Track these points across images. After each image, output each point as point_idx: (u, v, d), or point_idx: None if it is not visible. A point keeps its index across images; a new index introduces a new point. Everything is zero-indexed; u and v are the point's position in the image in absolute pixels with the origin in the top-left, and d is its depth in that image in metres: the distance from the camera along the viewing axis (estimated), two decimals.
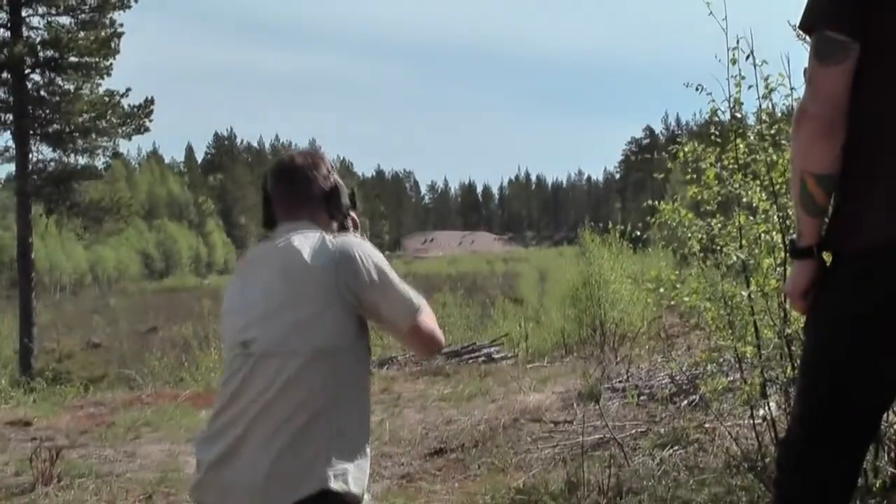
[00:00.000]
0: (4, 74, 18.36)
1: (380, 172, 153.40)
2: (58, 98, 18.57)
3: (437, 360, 11.40)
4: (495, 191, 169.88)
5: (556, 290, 21.21)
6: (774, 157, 3.84)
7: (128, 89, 19.05)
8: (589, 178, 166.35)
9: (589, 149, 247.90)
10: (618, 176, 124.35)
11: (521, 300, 28.38)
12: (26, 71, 18.40)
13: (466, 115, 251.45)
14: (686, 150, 4.23)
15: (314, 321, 1.90)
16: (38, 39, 18.59)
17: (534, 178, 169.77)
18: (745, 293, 3.94)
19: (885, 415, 2.89)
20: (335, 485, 1.86)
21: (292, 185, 2.10)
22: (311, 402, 1.88)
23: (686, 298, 4.24)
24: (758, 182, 3.96)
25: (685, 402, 6.46)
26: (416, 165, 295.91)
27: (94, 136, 18.88)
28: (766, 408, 4.09)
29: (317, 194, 2.10)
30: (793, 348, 3.71)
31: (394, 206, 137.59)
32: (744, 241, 4.01)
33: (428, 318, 2.06)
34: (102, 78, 18.80)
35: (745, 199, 4.01)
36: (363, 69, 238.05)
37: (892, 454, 3.58)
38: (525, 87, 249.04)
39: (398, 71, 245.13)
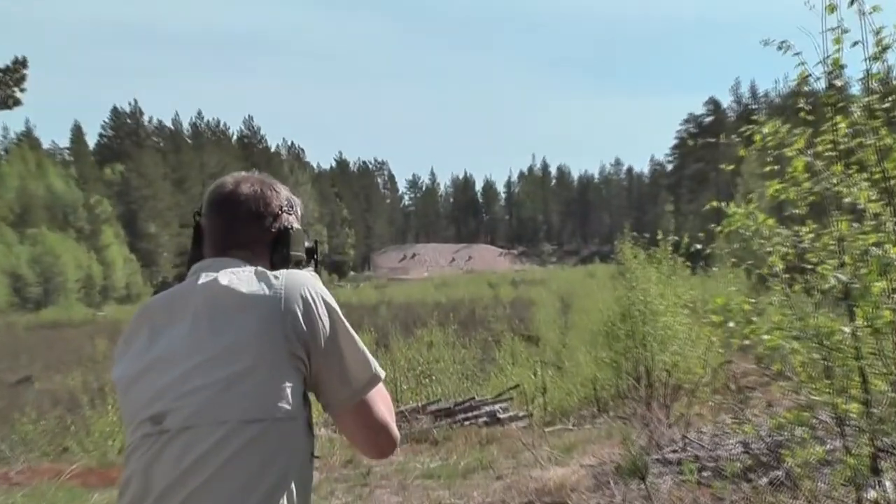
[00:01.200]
0: None
1: (341, 163, 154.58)
2: None
3: (423, 420, 11.37)
4: (501, 188, 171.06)
5: (585, 324, 21.25)
6: (889, 141, 3.79)
7: None
8: (630, 171, 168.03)
9: (630, 131, 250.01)
10: (669, 167, 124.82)
11: (536, 338, 28.46)
12: None
13: (462, 85, 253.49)
14: (765, 131, 4.22)
15: (252, 381, 1.93)
16: None
17: (553, 170, 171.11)
18: (847, 329, 3.91)
19: None
20: None
21: (231, 221, 2.20)
22: (247, 492, 1.88)
23: (765, 336, 4.21)
24: (865, 175, 3.93)
25: (765, 479, 6.44)
26: (392, 153, 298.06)
27: None
28: (879, 488, 4.06)
29: (261, 237, 2.21)
30: None
31: (360, 209, 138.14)
32: (846, 258, 3.99)
33: (384, 400, 2.15)
34: None
35: (847, 200, 3.97)
36: (322, 23, 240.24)
37: None
38: (544, 52, 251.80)
39: (367, 26, 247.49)
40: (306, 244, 2.32)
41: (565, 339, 25.42)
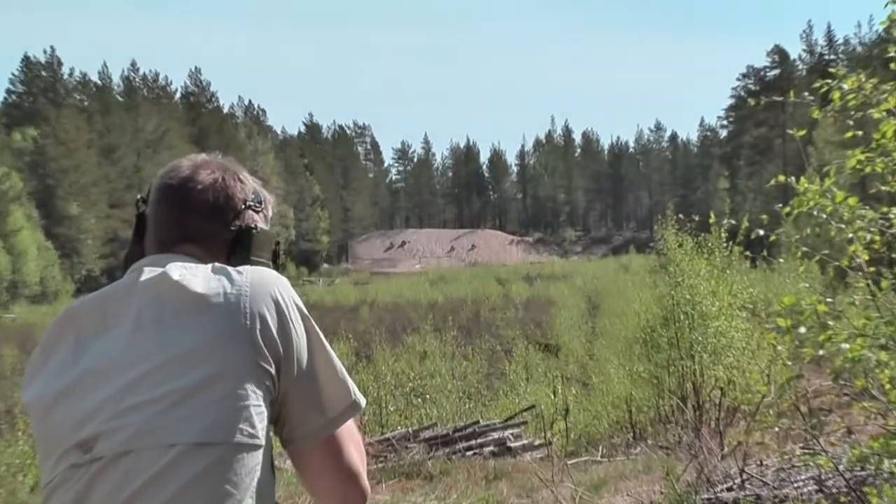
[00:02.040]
0: None
1: (312, 128, 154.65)
2: None
3: (414, 450, 11.40)
4: (512, 159, 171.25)
5: (618, 330, 21.26)
6: None
7: None
8: (674, 138, 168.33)
9: (674, 87, 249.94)
10: (723, 134, 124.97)
11: (555, 348, 28.47)
12: None
13: (461, 29, 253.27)
14: (845, 87, 4.22)
15: (208, 396, 1.94)
16: None
17: (578, 136, 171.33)
18: None
19: None
20: None
21: (184, 213, 2.23)
22: None
23: (845, 346, 4.21)
24: None
25: None
26: (376, 116, 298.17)
27: None
28: None
29: (218, 234, 2.23)
30: None
31: (336, 185, 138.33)
32: None
33: (355, 442, 2.17)
34: None
35: None
36: None
37: None
38: None
39: None
40: (272, 247, 2.33)
41: (592, 349, 25.39)
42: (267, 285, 2.05)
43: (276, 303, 2.03)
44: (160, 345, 1.97)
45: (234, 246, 2.23)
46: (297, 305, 2.08)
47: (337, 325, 33.50)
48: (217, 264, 2.10)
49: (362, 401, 2.16)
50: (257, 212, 2.29)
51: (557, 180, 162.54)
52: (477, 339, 28.98)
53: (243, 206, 2.25)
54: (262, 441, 1.98)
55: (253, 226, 2.26)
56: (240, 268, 2.09)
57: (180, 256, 2.14)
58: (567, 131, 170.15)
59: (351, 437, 2.15)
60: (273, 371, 2.00)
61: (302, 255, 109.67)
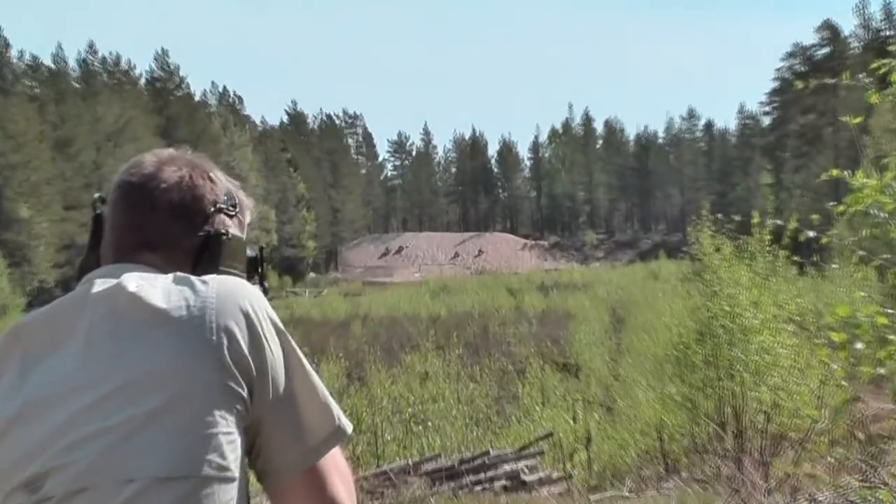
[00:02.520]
0: None
1: (296, 117, 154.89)
2: None
3: (415, 484, 11.38)
4: (524, 152, 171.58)
5: (646, 347, 21.25)
6: None
7: None
8: (709, 128, 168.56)
9: (709, 69, 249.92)
10: (766, 122, 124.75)
11: (575, 367, 28.44)
12: None
13: (464, 5, 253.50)
14: None
15: (171, 423, 1.92)
16: None
17: (600, 126, 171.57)
18: None
19: None
20: None
21: (145, 215, 2.23)
22: None
23: None
24: None
25: None
26: (369, 105, 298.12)
27: None
28: None
29: (183, 240, 2.24)
30: None
31: (323, 182, 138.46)
32: None
33: (341, 475, 2.16)
34: None
35: None
36: None
37: None
38: None
39: None
40: (249, 253, 2.35)
41: (617, 369, 25.36)
42: (235, 296, 2.05)
43: (247, 316, 2.02)
44: (115, 366, 1.95)
45: (201, 254, 2.22)
46: (271, 319, 2.08)
47: (325, 343, 33.49)
48: (179, 273, 2.10)
49: (348, 427, 2.15)
50: (230, 216, 2.29)
51: (576, 176, 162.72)
52: (485, 357, 28.86)
53: (213, 209, 2.25)
54: (235, 474, 1.96)
55: (224, 231, 2.25)
56: (204, 277, 2.08)
57: (138, 266, 2.14)
58: (587, 120, 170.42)
59: (336, 468, 2.14)
60: (245, 394, 1.99)
61: (285, 263, 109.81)
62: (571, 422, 18.00)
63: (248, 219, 2.37)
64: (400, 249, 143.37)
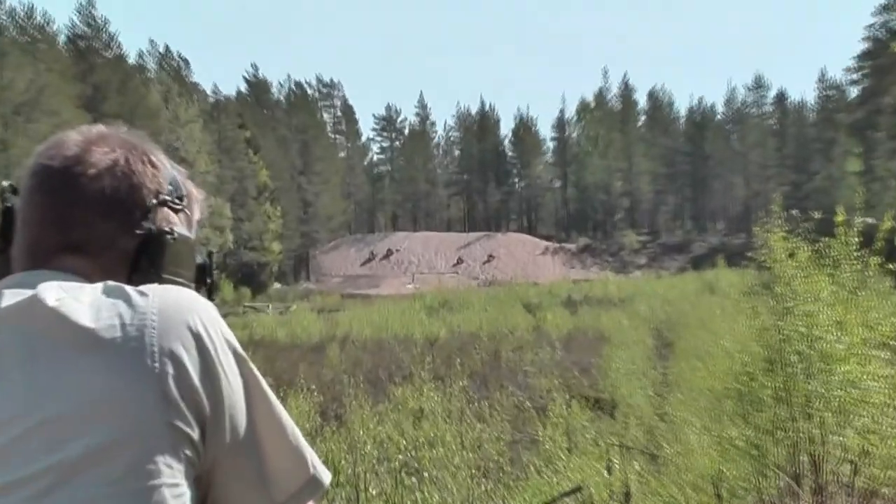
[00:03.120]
0: None
1: (257, 86, 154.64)
2: None
3: None
4: (545, 131, 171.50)
5: (700, 378, 21.29)
6: None
7: None
8: (781, 100, 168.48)
9: (782, 27, 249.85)
10: (853, 93, 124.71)
11: (610, 404, 28.37)
12: None
13: None
14: None
15: (100, 475, 1.91)
16: None
17: (642, 98, 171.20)
18: None
19: None
20: None
21: (67, 208, 2.20)
22: None
23: None
24: None
25: None
26: (350, 71, 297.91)
27: None
28: None
29: (116, 240, 2.22)
30: None
31: (291, 168, 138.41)
32: None
33: None
34: None
35: None
36: None
37: None
38: None
39: None
40: (197, 261, 2.35)
41: (663, 406, 25.30)
42: (182, 312, 2.04)
43: (198, 337, 2.02)
44: (28, 402, 1.94)
45: (139, 258, 2.21)
46: (227, 342, 2.08)
47: (294, 372, 33.35)
48: (111, 283, 2.08)
49: (325, 476, 2.18)
50: (176, 210, 2.30)
51: (612, 161, 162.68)
52: (496, 391, 28.85)
53: (155, 202, 2.24)
54: None
55: (168, 230, 2.25)
56: (143, 288, 2.07)
57: (59, 273, 2.12)
58: (626, 90, 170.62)
59: None
60: (196, 436, 1.99)
61: (243, 270, 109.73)
62: (605, 473, 18.00)
63: (197, 214, 2.37)
64: (388, 254, 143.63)
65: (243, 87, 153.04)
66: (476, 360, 38.45)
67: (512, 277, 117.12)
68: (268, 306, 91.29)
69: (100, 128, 2.28)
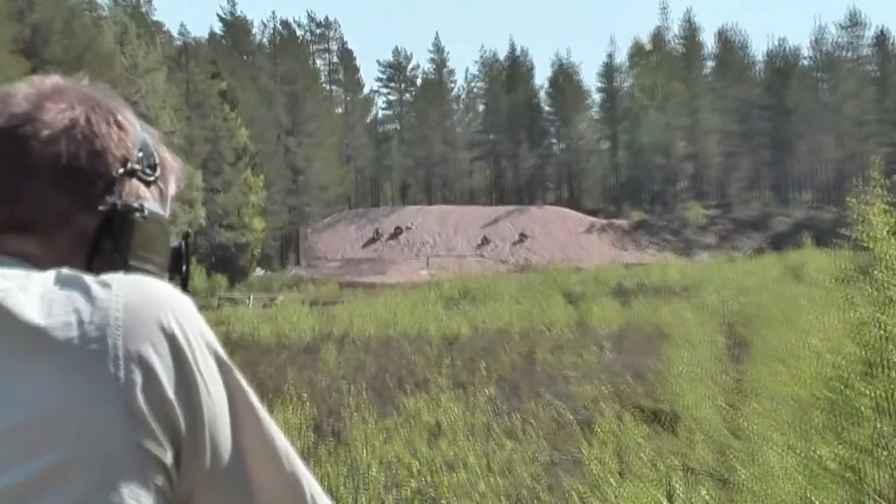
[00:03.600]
0: None
1: (234, 25, 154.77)
2: None
3: None
4: (590, 80, 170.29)
5: (782, 385, 21.28)
6: None
7: None
8: (881, 40, 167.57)
9: None
10: None
11: (670, 416, 28.28)
12: None
13: None
14: None
15: (45, 500, 1.87)
16: None
17: (709, 39, 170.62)
18: None
19: None
20: None
21: (13, 176, 2.15)
22: None
23: None
24: None
25: None
26: (348, 6, 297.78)
27: None
28: None
29: (74, 218, 2.17)
30: None
31: (277, 127, 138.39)
32: None
33: None
34: None
35: None
36: None
37: None
38: None
39: None
40: (172, 244, 2.32)
41: (736, 420, 25.21)
42: (154, 308, 2.00)
43: (172, 339, 1.98)
44: None
45: (101, 240, 2.17)
46: (208, 344, 2.05)
47: (281, 378, 33.23)
48: (66, 271, 2.04)
49: None
50: (147, 182, 2.25)
51: (673, 118, 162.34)
52: (530, 401, 28.86)
53: (122, 171, 2.19)
54: None
55: (137, 206, 2.19)
56: (105, 277, 2.03)
57: (1, 257, 2.09)
58: (690, 29, 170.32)
59: None
60: (168, 460, 1.95)
61: (218, 254, 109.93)
62: (665, 502, 18.02)
63: (172, 188, 2.34)
64: (397, 233, 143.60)
65: (217, 28, 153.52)
66: (505, 364, 38.47)
67: (549, 261, 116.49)
68: (248, 297, 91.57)
69: (55, 79, 2.23)
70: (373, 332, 53.45)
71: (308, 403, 25.72)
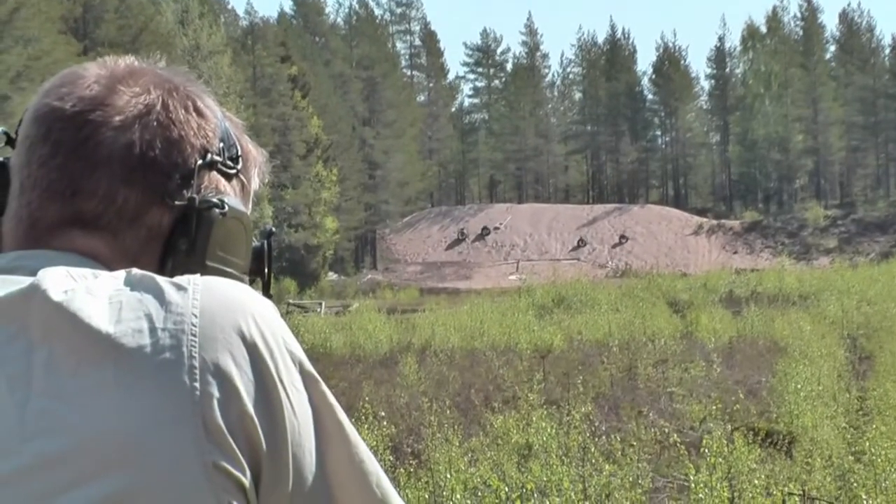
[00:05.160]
0: None
1: (305, 4, 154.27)
2: None
3: None
4: (699, 66, 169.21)
5: None
6: None
7: None
8: None
9: None
10: None
11: (786, 437, 28.17)
12: None
13: None
14: None
15: None
16: None
17: (831, 20, 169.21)
18: None
19: None
20: None
21: (81, 169, 2.14)
22: None
23: None
24: None
25: None
26: None
27: None
28: None
29: (146, 214, 2.15)
30: None
31: (352, 116, 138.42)
32: None
33: None
34: None
35: None
36: None
37: None
38: None
39: None
40: (254, 244, 2.32)
41: (862, 441, 25.04)
42: (234, 314, 1.97)
43: (253, 349, 1.95)
44: (24, 430, 1.90)
45: (176, 239, 2.15)
46: (292, 354, 2.03)
47: (355, 394, 33.26)
48: (137, 272, 2.01)
49: None
50: (228, 176, 2.24)
51: (790, 108, 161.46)
52: (630, 420, 28.77)
53: (201, 163, 2.16)
54: None
55: (217, 201, 2.17)
56: (180, 279, 2.01)
57: (66, 255, 2.07)
58: (810, 9, 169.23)
59: None
60: (247, 481, 1.93)
61: (287, 256, 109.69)
62: None
63: (255, 183, 2.33)
64: (484, 233, 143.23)
65: (287, 6, 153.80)
66: (603, 379, 38.36)
67: (652, 266, 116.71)
68: (320, 304, 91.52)
69: (129, 60, 2.21)
70: (457, 343, 53.22)
71: (385, 422, 25.67)
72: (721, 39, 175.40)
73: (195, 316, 1.94)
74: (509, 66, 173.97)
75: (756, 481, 22.77)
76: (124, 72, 2.17)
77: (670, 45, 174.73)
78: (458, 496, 19.68)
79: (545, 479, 20.92)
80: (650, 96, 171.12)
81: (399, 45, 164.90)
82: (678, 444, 24.62)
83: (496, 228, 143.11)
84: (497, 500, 19.89)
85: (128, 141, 2.10)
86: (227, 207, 2.17)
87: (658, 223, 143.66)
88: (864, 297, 61.88)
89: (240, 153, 2.25)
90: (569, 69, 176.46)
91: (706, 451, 23.79)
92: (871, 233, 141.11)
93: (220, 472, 1.90)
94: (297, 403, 1.99)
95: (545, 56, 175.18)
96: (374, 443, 24.43)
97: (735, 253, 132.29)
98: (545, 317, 64.51)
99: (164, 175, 2.12)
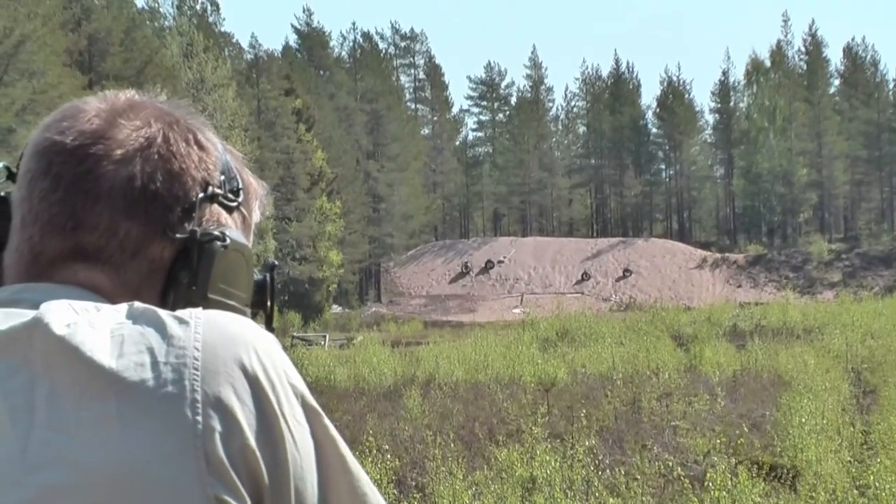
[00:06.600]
0: None
1: (310, 37, 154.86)
2: None
3: None
4: (703, 100, 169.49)
5: None
6: None
7: None
8: None
9: None
10: None
11: (790, 472, 28.16)
12: None
13: None
14: None
15: None
16: None
17: (834, 54, 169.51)
18: None
19: None
20: None
21: (82, 203, 2.14)
22: None
23: None
24: None
25: None
26: (437, 19, 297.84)
27: None
28: None
29: (148, 248, 2.16)
30: None
31: (356, 149, 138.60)
32: None
33: None
34: None
35: None
36: None
37: None
38: None
39: None
40: (255, 277, 2.31)
41: (866, 476, 25.06)
42: (236, 347, 1.98)
43: (255, 382, 1.96)
44: (25, 464, 1.90)
45: (177, 272, 2.15)
46: (294, 388, 2.03)
47: (359, 427, 33.27)
48: (139, 305, 2.02)
49: None
50: (229, 209, 2.23)
51: (795, 142, 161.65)
52: (635, 453, 28.79)
53: (202, 196, 2.16)
54: None
55: (218, 234, 2.16)
56: (182, 313, 2.01)
57: (68, 288, 2.08)
58: (814, 44, 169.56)
59: None
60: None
61: (291, 289, 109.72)
62: None
63: (256, 216, 2.33)
64: (488, 266, 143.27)
65: (292, 40, 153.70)
66: (608, 412, 38.36)
67: (656, 299, 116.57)
68: (324, 337, 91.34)
69: (130, 94, 2.21)
70: (461, 376, 53.21)
71: (389, 455, 25.69)
72: (725, 73, 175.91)
73: (197, 350, 1.94)
74: (513, 100, 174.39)
75: None
76: (125, 105, 2.18)
77: (674, 78, 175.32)
78: None
79: None
80: (654, 130, 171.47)
81: (403, 78, 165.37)
82: (682, 478, 24.68)
83: (500, 262, 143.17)
84: None
85: (129, 174, 2.11)
86: (228, 240, 2.17)
87: (662, 257, 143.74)
88: (869, 331, 61.88)
89: (241, 186, 2.25)
90: (573, 103, 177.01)
91: (710, 484, 23.84)
92: (876, 266, 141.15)
93: (219, 494, 1.89)
94: (300, 437, 1.99)
95: (549, 89, 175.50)
96: (378, 476, 24.43)
97: (739, 286, 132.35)
98: (549, 350, 64.57)
99: (165, 208, 2.13)
